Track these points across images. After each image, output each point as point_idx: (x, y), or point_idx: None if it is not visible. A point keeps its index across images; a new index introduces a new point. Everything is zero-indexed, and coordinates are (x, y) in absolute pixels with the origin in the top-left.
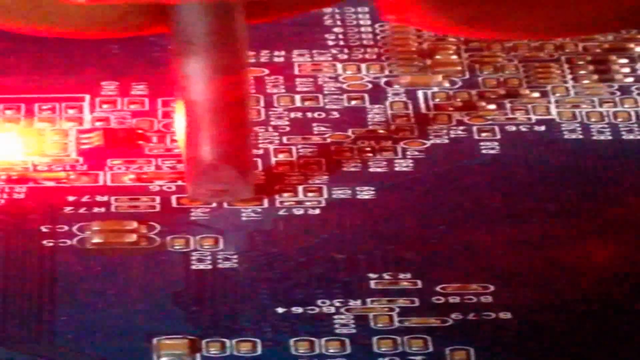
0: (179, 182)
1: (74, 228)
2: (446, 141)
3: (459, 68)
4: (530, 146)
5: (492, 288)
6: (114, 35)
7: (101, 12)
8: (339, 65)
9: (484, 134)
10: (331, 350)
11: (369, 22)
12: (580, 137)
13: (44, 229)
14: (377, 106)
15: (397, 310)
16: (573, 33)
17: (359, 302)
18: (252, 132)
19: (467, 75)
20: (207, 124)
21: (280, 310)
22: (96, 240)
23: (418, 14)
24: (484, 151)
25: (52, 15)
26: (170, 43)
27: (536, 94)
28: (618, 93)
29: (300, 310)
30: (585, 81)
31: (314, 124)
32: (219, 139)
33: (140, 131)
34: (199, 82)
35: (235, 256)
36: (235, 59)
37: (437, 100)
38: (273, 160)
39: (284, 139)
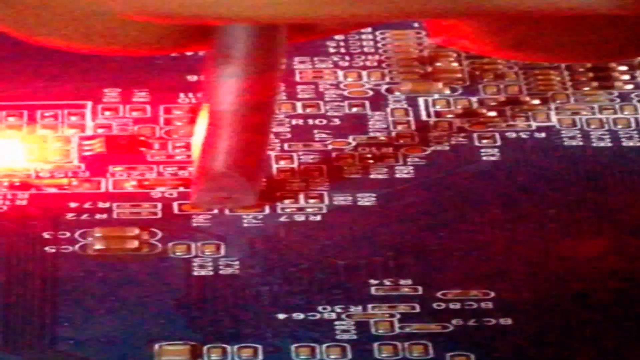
0: (181, 189)
1: (76, 234)
2: (447, 148)
3: (460, 75)
4: (531, 153)
5: (492, 294)
6: (150, 54)
7: (141, 32)
8: (340, 72)
9: (484, 141)
10: (332, 356)
11: (369, 30)
12: (580, 143)
13: (46, 235)
14: (378, 113)
15: (398, 316)
16: (620, 57)
17: (359, 308)
18: (269, 139)
19: (468, 83)
20: (227, 135)
21: (281, 316)
22: (98, 246)
23: (467, 37)
24: (484, 158)
25: (91, 33)
26: (208, 52)
27: (536, 101)
28: (618, 100)
29: (301, 316)
30: (585, 88)
31: (315, 131)
32: (235, 150)
33: (142, 138)
34: (228, 94)
35: (236, 262)
36: (269, 76)
37: (438, 107)
38: (274, 167)
39: (285, 146)
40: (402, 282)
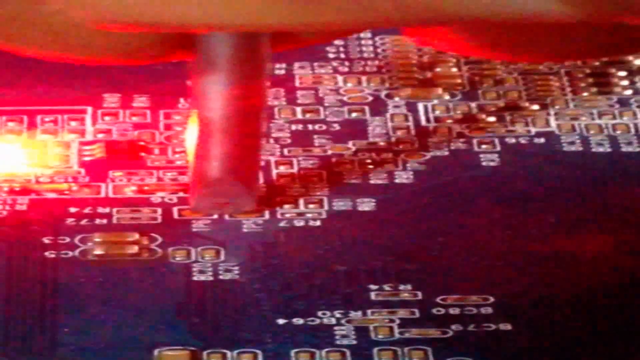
0: (181, 194)
1: (76, 239)
2: (446, 153)
3: (459, 81)
4: (530, 158)
5: (492, 299)
6: (130, 64)
7: (120, 41)
8: (340, 78)
9: (483, 146)
10: None
11: (369, 35)
12: (580, 149)
13: (45, 240)
14: (377, 118)
15: (398, 321)
16: (599, 55)
17: (359, 313)
18: (262, 148)
19: (467, 88)
20: (219, 141)
21: (281, 321)
22: (98, 251)
23: (441, 36)
24: (483, 163)
25: (67, 43)
26: (192, 60)
27: (536, 107)
28: (617, 105)
29: (301, 321)
30: (585, 94)
31: (315, 136)
32: (229, 156)
33: (142, 143)
34: (216, 101)
35: (236, 268)
36: (255, 83)
37: (437, 112)
38: (274, 172)
39: (285, 151)
40: (401, 287)
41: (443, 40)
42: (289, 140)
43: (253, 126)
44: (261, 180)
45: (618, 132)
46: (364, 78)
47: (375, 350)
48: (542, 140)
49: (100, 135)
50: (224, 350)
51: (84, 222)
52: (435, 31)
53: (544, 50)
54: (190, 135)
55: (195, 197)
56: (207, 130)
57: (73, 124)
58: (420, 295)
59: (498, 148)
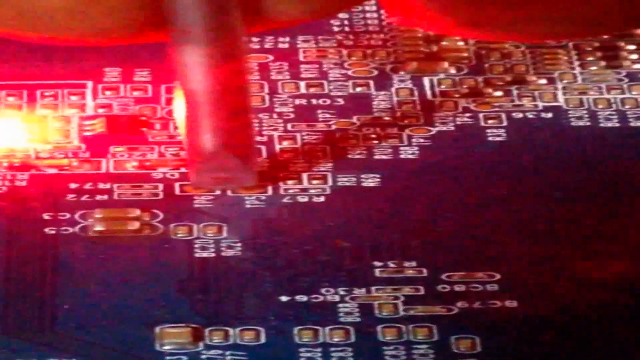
0: (183, 170)
1: (76, 216)
2: (452, 128)
3: (466, 54)
4: (537, 133)
5: (498, 276)
6: (100, 44)
7: (89, 21)
8: (344, 52)
9: (490, 121)
10: (335, 339)
11: (374, 8)
12: (588, 124)
13: (46, 216)
14: (382, 93)
15: (402, 298)
16: (579, 35)
17: (363, 290)
18: (253, 119)
19: (474, 62)
20: (207, 113)
21: (284, 298)
22: (98, 228)
23: (424, 15)
24: (490, 138)
25: (40, 24)
26: (169, 32)
27: (543, 81)
28: (626, 80)
29: (304, 298)
30: (593, 67)
31: (319, 111)
32: (220, 127)
33: (143, 118)
34: (197, 71)
35: (239, 244)
36: (232, 48)
37: (443, 86)
38: (277, 147)
39: (289, 126)
40: (406, 264)
41: (423, 19)
42: (292, 115)
43: (239, 102)
44: (264, 155)
45: (627, 106)
46: (368, 52)
47: (379, 327)
48: (549, 115)
49: (100, 110)
50: (226, 328)
51: (84, 198)
52: (415, 9)
53: (531, 29)
54: (178, 108)
55: (193, 172)
56: (193, 102)
57: (73, 98)
58: (425, 272)
59: (505, 123)
